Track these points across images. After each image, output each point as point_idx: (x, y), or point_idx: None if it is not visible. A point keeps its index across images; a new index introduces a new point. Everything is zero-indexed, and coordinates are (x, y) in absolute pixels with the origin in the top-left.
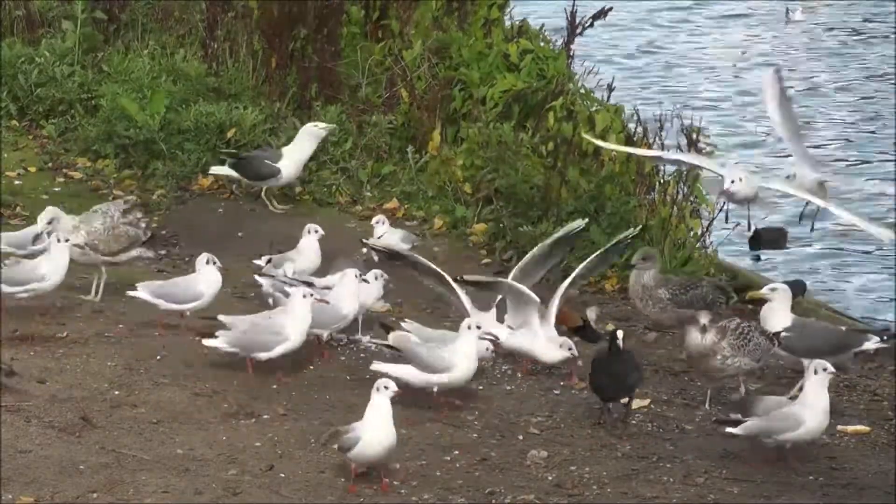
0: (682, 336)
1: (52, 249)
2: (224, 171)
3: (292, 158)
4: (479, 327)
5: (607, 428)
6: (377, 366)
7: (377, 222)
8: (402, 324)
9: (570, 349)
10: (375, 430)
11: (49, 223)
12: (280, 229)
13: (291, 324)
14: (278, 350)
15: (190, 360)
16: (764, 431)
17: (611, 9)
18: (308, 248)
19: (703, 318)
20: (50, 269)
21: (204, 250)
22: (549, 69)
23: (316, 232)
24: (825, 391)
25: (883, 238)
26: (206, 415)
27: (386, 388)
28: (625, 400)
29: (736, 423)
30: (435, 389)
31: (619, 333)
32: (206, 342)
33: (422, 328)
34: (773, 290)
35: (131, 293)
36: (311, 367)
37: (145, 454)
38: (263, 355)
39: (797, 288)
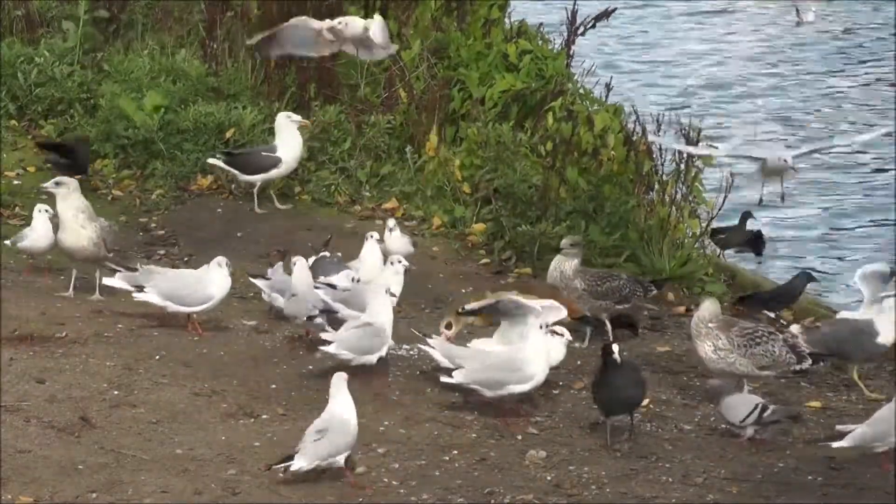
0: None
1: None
2: (219, 162)
3: (288, 146)
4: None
5: (608, 444)
6: (449, 379)
7: (390, 228)
8: (429, 341)
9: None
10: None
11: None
12: (280, 229)
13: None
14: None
15: (189, 360)
16: (876, 437)
17: (614, 9)
18: (370, 254)
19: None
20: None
21: (203, 250)
22: (548, 69)
23: (372, 237)
24: None
25: None
26: (206, 415)
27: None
28: (626, 416)
29: (840, 437)
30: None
31: (616, 347)
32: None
33: (451, 346)
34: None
35: (138, 296)
36: (310, 367)
37: (144, 454)
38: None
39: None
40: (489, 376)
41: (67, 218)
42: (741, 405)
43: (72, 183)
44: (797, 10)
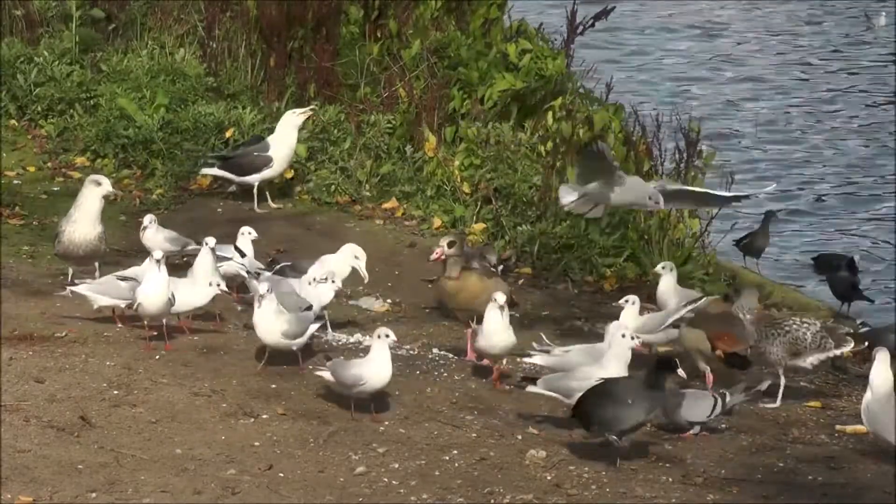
0: None
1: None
2: (215, 172)
3: (281, 146)
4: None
5: (616, 465)
6: (533, 388)
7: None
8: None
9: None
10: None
11: (99, 185)
12: (279, 229)
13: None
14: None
15: (188, 359)
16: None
17: (613, 8)
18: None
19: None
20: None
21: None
22: (548, 68)
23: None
24: None
25: None
26: (205, 414)
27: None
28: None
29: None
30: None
31: (679, 369)
32: (531, 388)
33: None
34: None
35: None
36: (310, 367)
37: (144, 454)
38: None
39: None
40: (567, 384)
41: (93, 211)
42: (699, 402)
43: (102, 182)
44: (865, 14)
